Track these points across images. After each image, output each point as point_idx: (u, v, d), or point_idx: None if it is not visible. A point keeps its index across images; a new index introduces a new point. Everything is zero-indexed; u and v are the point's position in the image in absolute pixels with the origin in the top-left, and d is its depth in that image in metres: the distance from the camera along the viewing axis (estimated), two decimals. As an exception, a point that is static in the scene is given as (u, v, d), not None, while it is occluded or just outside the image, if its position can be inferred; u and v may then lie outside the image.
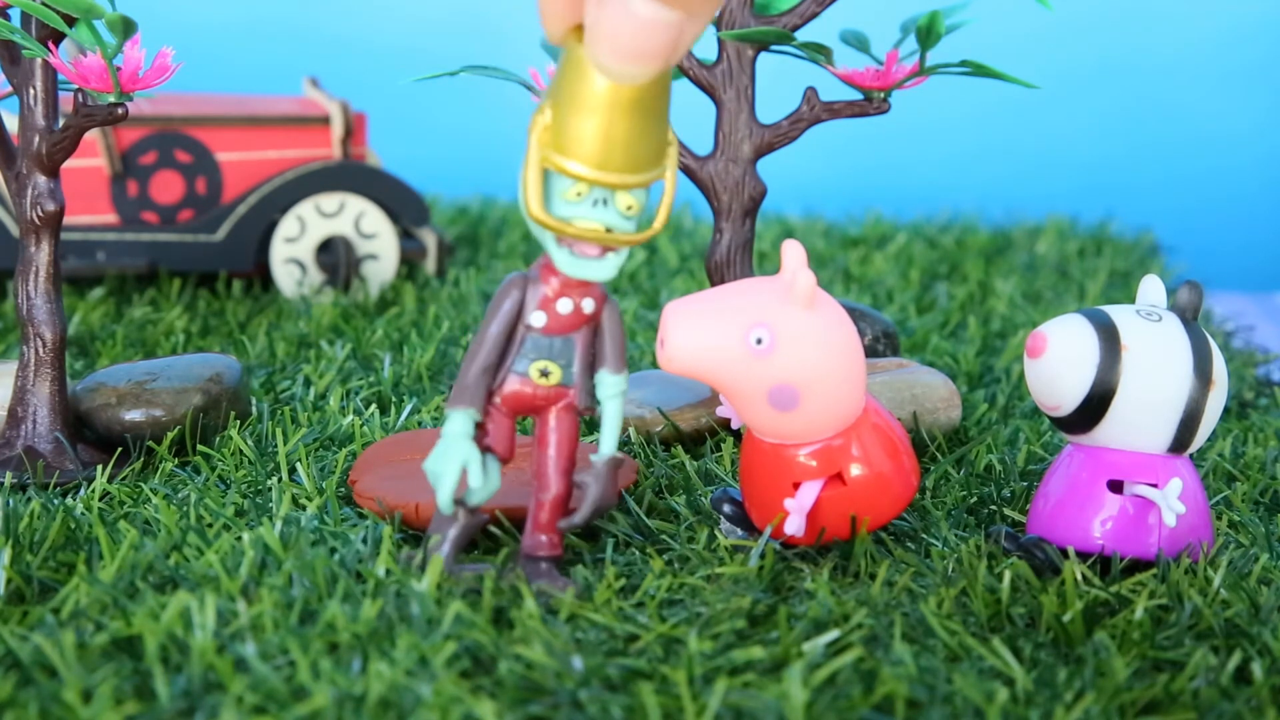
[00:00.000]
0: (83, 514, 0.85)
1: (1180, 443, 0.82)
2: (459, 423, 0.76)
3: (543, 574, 0.78)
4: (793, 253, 0.79)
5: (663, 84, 0.70)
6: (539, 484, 0.79)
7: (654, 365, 1.15)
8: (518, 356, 0.76)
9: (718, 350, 0.78)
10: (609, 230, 0.73)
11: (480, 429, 0.77)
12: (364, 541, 0.82)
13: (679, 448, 0.97)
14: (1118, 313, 0.83)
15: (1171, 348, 0.81)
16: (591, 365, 0.78)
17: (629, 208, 0.73)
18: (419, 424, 1.02)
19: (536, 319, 0.76)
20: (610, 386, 0.77)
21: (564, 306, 0.76)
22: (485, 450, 0.78)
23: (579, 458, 0.81)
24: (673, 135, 0.73)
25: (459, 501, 0.78)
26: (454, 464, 0.76)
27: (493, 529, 0.84)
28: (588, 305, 0.76)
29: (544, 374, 0.77)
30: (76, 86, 0.89)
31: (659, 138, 0.72)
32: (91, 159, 1.36)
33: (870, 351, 1.09)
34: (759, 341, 0.78)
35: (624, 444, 0.99)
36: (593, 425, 1.03)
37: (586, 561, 0.82)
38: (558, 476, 0.79)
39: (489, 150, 1.95)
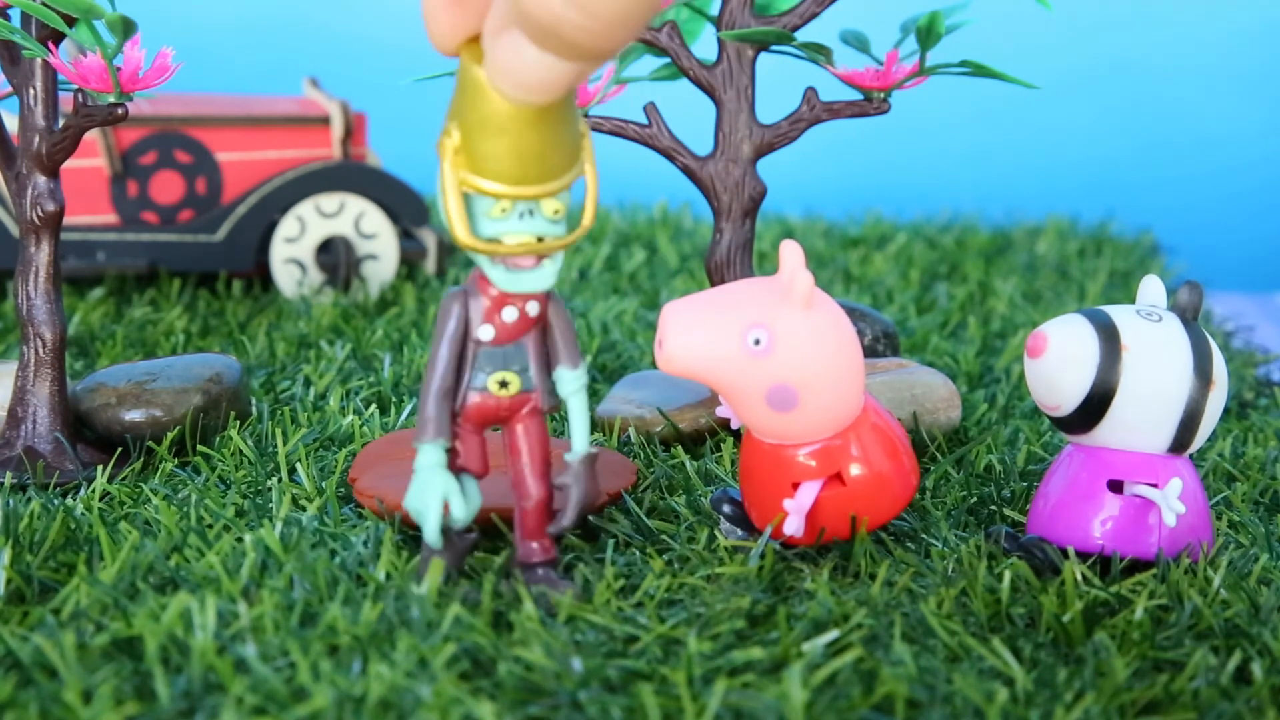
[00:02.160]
0: (83, 514, 0.85)
1: (1180, 443, 0.82)
2: (431, 455, 0.75)
3: (540, 579, 0.78)
4: (791, 253, 0.79)
5: (567, 95, 0.69)
6: (519, 493, 0.78)
7: (654, 365, 1.15)
8: (473, 372, 0.76)
9: (716, 351, 0.78)
10: (540, 240, 0.72)
11: (452, 452, 0.76)
12: (365, 544, 0.82)
13: (679, 448, 0.97)
14: (1118, 313, 0.83)
15: (1172, 348, 0.81)
16: (548, 364, 0.77)
17: (555, 211, 0.72)
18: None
19: (485, 333, 0.75)
20: (570, 382, 0.77)
21: (509, 315, 0.75)
22: (460, 471, 0.77)
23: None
24: (584, 127, 0.72)
25: (445, 530, 0.77)
26: (435, 498, 0.75)
27: (496, 531, 0.84)
28: (532, 309, 0.75)
29: (503, 385, 0.76)
30: (76, 86, 0.89)
31: (572, 138, 0.71)
32: (91, 159, 1.36)
33: (870, 351, 1.09)
34: (757, 342, 0.78)
35: (624, 444, 0.99)
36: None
37: (587, 560, 0.82)
38: (536, 481, 0.78)
39: (489, 150, 1.95)
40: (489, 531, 0.85)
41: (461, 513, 0.76)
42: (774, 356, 0.78)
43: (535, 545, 0.78)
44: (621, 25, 0.62)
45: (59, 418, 0.95)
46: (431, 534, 0.75)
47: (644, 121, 1.02)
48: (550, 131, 0.69)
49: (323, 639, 0.71)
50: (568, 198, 0.73)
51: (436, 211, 1.72)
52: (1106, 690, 0.69)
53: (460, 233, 0.71)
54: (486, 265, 0.73)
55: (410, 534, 0.85)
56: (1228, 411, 1.11)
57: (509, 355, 0.76)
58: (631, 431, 0.99)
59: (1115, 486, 0.82)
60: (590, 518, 0.86)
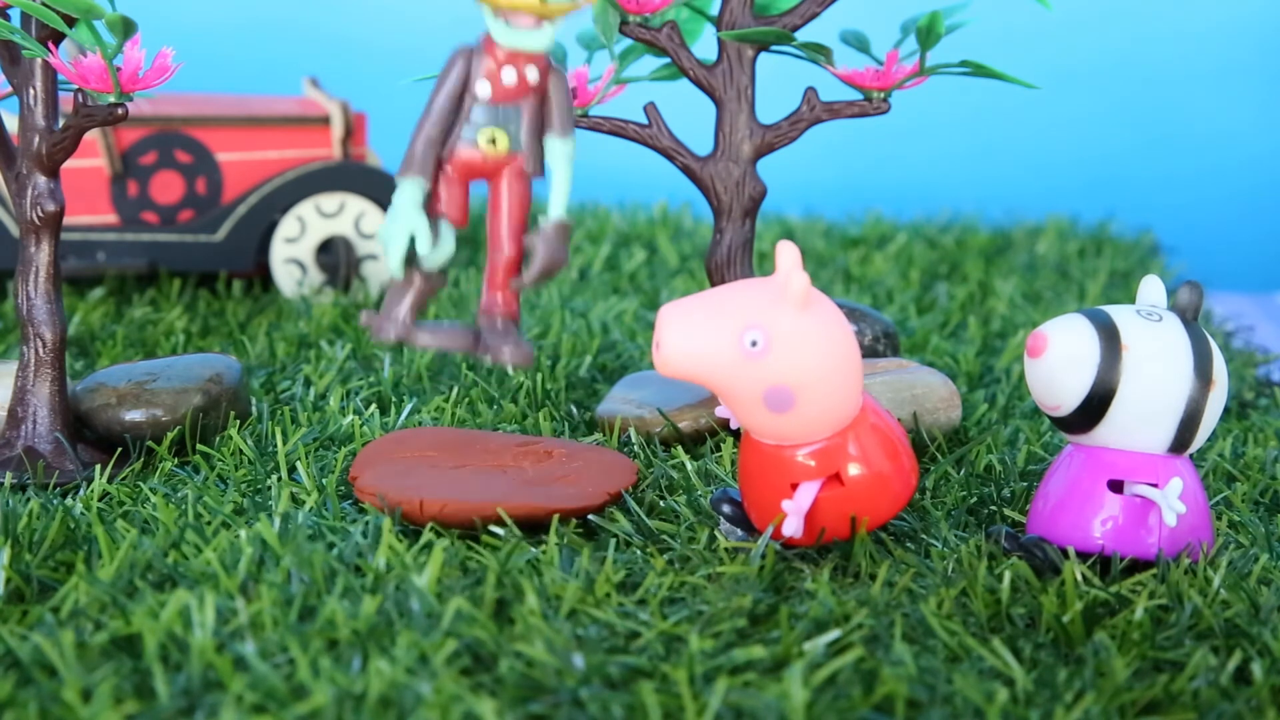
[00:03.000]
0: (82, 514, 0.85)
1: (1180, 443, 0.82)
2: (407, 191, 0.80)
3: (500, 331, 0.83)
4: (787, 254, 0.79)
5: None
6: (492, 245, 0.84)
7: (653, 366, 1.15)
8: (465, 125, 0.81)
9: (712, 353, 0.78)
10: (544, 1, 0.77)
11: (433, 196, 0.81)
12: (363, 535, 0.82)
13: (679, 448, 0.97)
14: (1118, 313, 0.83)
15: (1172, 348, 0.81)
16: (540, 131, 0.82)
17: None
18: (419, 424, 1.02)
19: (482, 89, 0.80)
20: (558, 150, 0.82)
21: (508, 76, 0.80)
22: (438, 216, 0.82)
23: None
24: None
25: (411, 264, 0.82)
26: (402, 230, 0.80)
27: (495, 528, 0.84)
28: (531, 74, 0.80)
29: (492, 141, 0.81)
30: (76, 86, 0.89)
31: None
32: (91, 159, 1.36)
33: (870, 351, 1.09)
34: (753, 344, 0.78)
35: (624, 444, 0.99)
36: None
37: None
38: (510, 239, 0.83)
39: (489, 150, 1.95)
40: (474, 536, 0.84)
41: (426, 249, 0.81)
42: (770, 358, 0.78)
43: (499, 298, 0.84)
44: None
45: (59, 418, 0.95)
46: (395, 263, 0.81)
47: (644, 121, 1.01)
48: None
49: (322, 634, 0.71)
50: None
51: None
52: (1106, 690, 0.69)
53: None
54: (490, 19, 0.78)
55: (410, 527, 0.85)
56: (1228, 411, 1.11)
57: (503, 114, 0.81)
58: (632, 431, 0.99)
59: (1115, 486, 0.82)
60: (591, 517, 0.86)
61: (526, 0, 0.77)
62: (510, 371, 0.82)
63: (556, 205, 0.82)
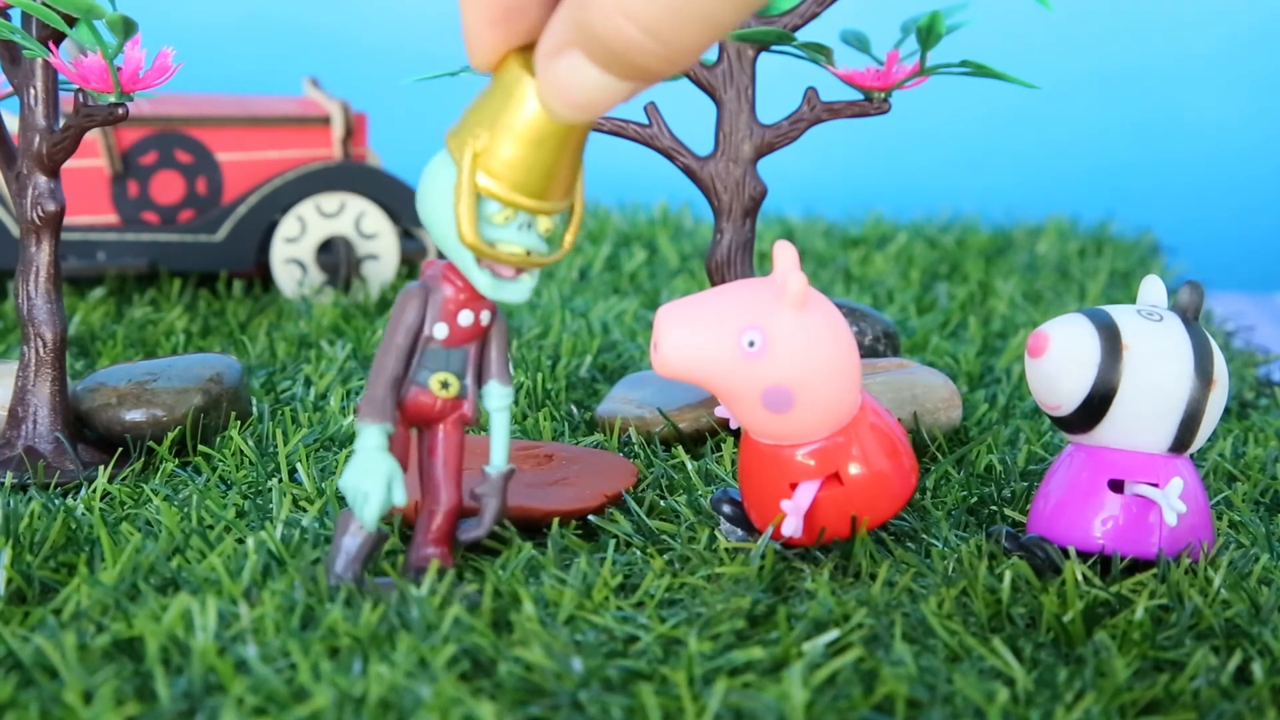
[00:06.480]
0: (83, 514, 0.85)
1: (1181, 442, 0.82)
2: (375, 437, 0.75)
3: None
4: (784, 255, 0.79)
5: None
6: (429, 495, 0.79)
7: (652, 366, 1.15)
8: (419, 368, 0.77)
9: (710, 354, 0.78)
10: (528, 254, 0.73)
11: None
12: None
13: (679, 448, 0.97)
14: (1119, 312, 0.83)
15: (1173, 347, 0.81)
16: (479, 377, 0.78)
17: (546, 230, 0.73)
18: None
19: (439, 331, 0.76)
20: (500, 398, 0.78)
21: (465, 319, 0.76)
22: None
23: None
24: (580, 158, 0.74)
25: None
26: (380, 479, 0.75)
27: (500, 529, 0.84)
28: (485, 318, 0.77)
29: (444, 385, 0.77)
30: (77, 86, 0.89)
31: (579, 164, 0.73)
32: (92, 159, 1.36)
33: (870, 351, 1.09)
34: (751, 344, 0.78)
35: (624, 444, 0.99)
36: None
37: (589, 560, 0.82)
38: (453, 487, 0.79)
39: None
40: (496, 535, 0.84)
41: (402, 499, 0.75)
42: (768, 358, 0.78)
43: (435, 552, 0.79)
44: (691, 53, 0.63)
45: (59, 418, 0.95)
46: (372, 517, 0.75)
47: (644, 121, 1.02)
48: (571, 152, 0.71)
49: (323, 640, 0.71)
50: (559, 220, 0.74)
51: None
52: (1107, 690, 0.69)
53: (468, 231, 0.71)
54: (473, 269, 0.73)
55: (410, 532, 0.85)
56: (1228, 411, 1.11)
57: (452, 358, 0.77)
58: (632, 431, 0.99)
59: (1116, 486, 0.82)
60: (591, 517, 0.86)
61: (514, 253, 0.72)
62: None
63: (499, 453, 0.79)
